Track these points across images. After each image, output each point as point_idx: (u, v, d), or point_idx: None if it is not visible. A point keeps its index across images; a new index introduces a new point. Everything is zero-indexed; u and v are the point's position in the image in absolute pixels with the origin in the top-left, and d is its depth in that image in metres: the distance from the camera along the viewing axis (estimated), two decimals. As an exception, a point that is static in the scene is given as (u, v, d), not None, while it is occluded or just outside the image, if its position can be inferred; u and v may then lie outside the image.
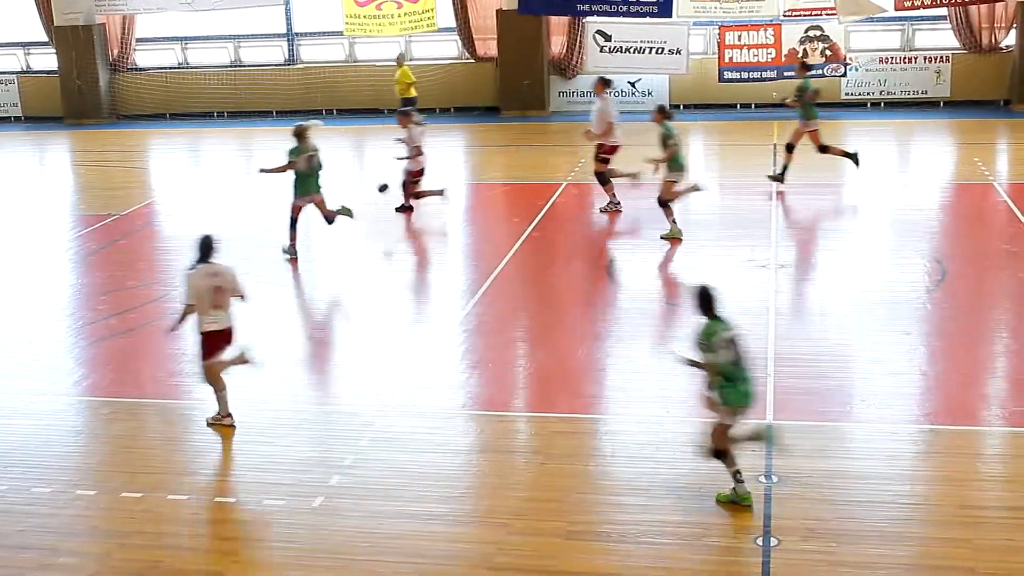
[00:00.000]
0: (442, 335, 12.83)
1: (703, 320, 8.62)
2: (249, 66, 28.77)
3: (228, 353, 10.31)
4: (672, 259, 15.64)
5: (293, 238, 15.75)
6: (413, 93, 24.83)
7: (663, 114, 16.01)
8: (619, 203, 17.52)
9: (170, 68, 29.19)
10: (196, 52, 29.32)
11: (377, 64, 27.83)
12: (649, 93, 26.85)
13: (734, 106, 26.32)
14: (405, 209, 18.12)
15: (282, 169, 15.54)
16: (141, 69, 29.21)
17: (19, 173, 24.40)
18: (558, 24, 27.09)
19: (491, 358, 12.26)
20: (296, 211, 15.69)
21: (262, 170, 15.82)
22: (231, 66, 28.87)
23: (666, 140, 15.81)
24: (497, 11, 26.69)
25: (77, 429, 11.06)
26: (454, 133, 26.27)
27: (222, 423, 10.49)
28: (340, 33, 27.21)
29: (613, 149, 17.58)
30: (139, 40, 29.24)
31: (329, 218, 15.95)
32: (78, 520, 9.12)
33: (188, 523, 8.99)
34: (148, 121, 28.28)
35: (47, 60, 29.26)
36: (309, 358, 12.78)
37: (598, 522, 8.63)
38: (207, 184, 22.12)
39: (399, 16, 26.33)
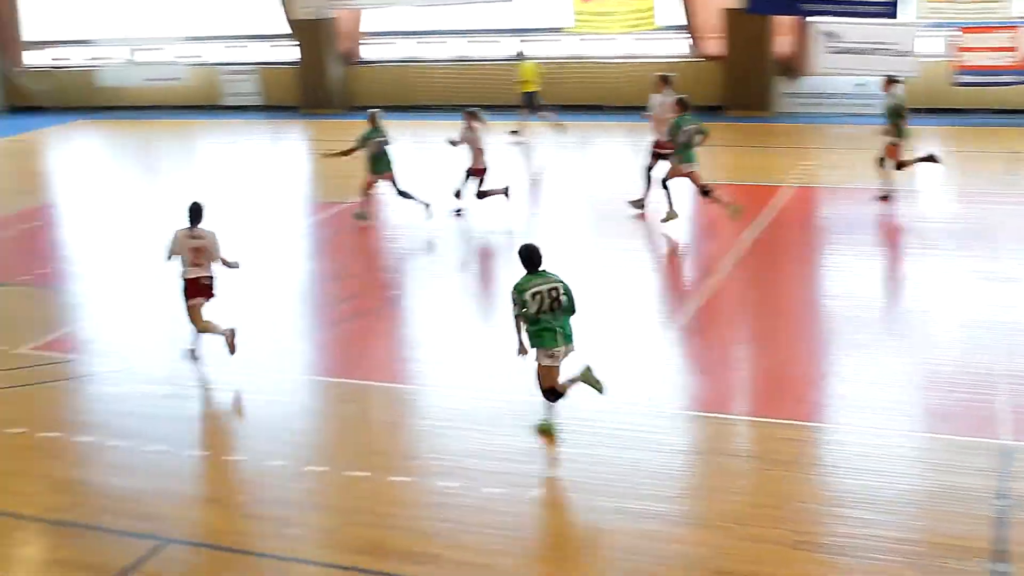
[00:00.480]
0: (663, 334, 12.83)
1: (520, 275, 9.90)
2: (477, 61, 29.25)
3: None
4: (898, 267, 15.23)
5: (363, 204, 17.95)
6: (532, 88, 25.15)
7: (682, 107, 16.78)
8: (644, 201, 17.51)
9: (401, 62, 29.95)
10: (427, 46, 30.00)
11: (602, 61, 27.94)
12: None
13: (968, 111, 25.33)
14: (459, 211, 18.42)
15: (346, 152, 17.94)
16: (373, 62, 30.05)
17: (259, 159, 25.43)
18: (785, 23, 26.60)
19: (713, 359, 12.19)
20: (370, 184, 17.96)
21: (325, 154, 18.18)
22: (460, 61, 29.42)
23: (676, 131, 16.66)
24: (723, 10, 26.39)
25: (308, 407, 11.51)
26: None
27: (229, 342, 12.23)
28: (567, 29, 27.40)
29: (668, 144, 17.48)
30: (372, 34, 30.09)
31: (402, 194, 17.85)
32: (308, 494, 9.50)
33: (410, 505, 9.23)
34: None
35: (288, 52, 30.43)
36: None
37: (820, 533, 8.50)
38: (431, 175, 22.57)
39: (622, 14, 26.35)
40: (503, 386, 11.38)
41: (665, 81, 18.24)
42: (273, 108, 30.11)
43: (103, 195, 18.58)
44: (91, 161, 26.50)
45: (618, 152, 23.57)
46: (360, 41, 29.93)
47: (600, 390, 10.06)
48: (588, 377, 10.02)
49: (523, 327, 9.87)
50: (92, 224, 19.37)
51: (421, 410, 11.22)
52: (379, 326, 13.55)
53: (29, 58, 33.16)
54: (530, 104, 24.93)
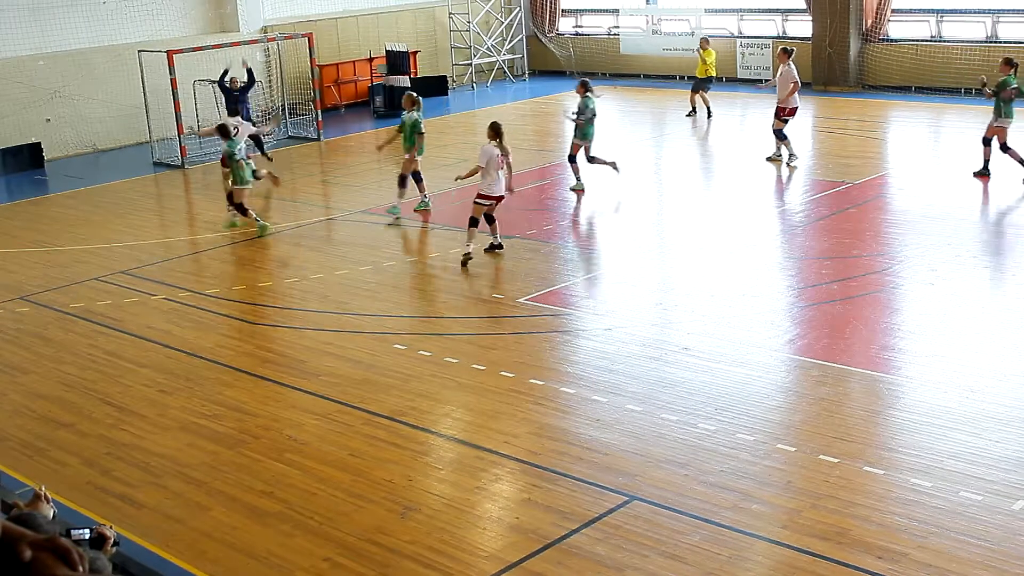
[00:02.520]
0: None
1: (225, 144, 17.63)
2: (1003, 43, 27.45)
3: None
4: None
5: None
6: (710, 73, 26.63)
7: (584, 88, 19.06)
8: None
9: (921, 41, 28.69)
10: (950, 26, 28.52)
11: None
12: None
13: None
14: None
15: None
16: (892, 40, 29.02)
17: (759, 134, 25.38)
18: None
19: None
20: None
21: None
22: (985, 42, 27.75)
23: (581, 112, 18.82)
24: None
25: (785, 386, 11.42)
26: None
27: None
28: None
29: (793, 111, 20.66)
30: (894, 11, 29.04)
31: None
32: (775, 472, 9.44)
33: (880, 498, 8.92)
34: (893, 93, 28.06)
35: (800, 27, 30.05)
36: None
37: None
38: (942, 161, 21.54)
39: None
40: (992, 388, 10.72)
41: (786, 53, 20.77)
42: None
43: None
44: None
45: None
46: (883, 18, 28.96)
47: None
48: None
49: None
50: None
51: (902, 403, 10.78)
52: (865, 311, 13.11)
53: (560, 26, 34.99)
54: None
